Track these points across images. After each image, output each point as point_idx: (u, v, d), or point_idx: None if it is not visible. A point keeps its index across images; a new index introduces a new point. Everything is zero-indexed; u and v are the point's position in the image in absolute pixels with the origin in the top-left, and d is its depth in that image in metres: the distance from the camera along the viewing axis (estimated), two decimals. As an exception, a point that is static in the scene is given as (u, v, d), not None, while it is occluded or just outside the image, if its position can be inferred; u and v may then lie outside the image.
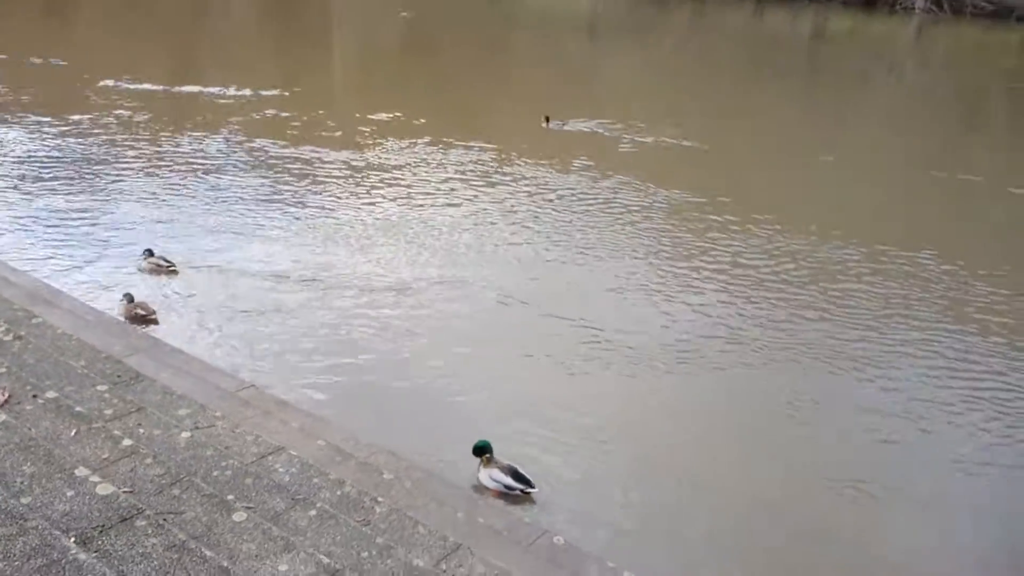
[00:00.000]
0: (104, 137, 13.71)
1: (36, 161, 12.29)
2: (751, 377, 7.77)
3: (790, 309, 9.26)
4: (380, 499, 4.40)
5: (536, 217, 11.65)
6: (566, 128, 16.51)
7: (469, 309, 8.74)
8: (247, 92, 17.77)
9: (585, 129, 16.83)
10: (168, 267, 8.79)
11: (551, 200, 12.41)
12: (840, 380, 7.82)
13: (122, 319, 7.21)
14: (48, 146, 13.05)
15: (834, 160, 16.29)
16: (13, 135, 13.51)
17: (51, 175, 11.69)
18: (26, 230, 9.73)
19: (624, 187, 13.25)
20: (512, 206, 12.01)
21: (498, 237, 10.78)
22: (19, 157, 12.39)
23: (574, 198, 12.57)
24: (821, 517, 5.92)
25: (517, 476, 5.53)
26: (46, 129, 14.00)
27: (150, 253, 8.88)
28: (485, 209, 11.78)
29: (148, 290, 8.34)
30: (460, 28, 34.79)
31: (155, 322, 7.62)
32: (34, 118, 14.57)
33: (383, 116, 16.67)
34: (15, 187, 11.10)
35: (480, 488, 5.60)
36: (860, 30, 47.38)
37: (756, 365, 7.96)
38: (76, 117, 14.70)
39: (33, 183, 11.31)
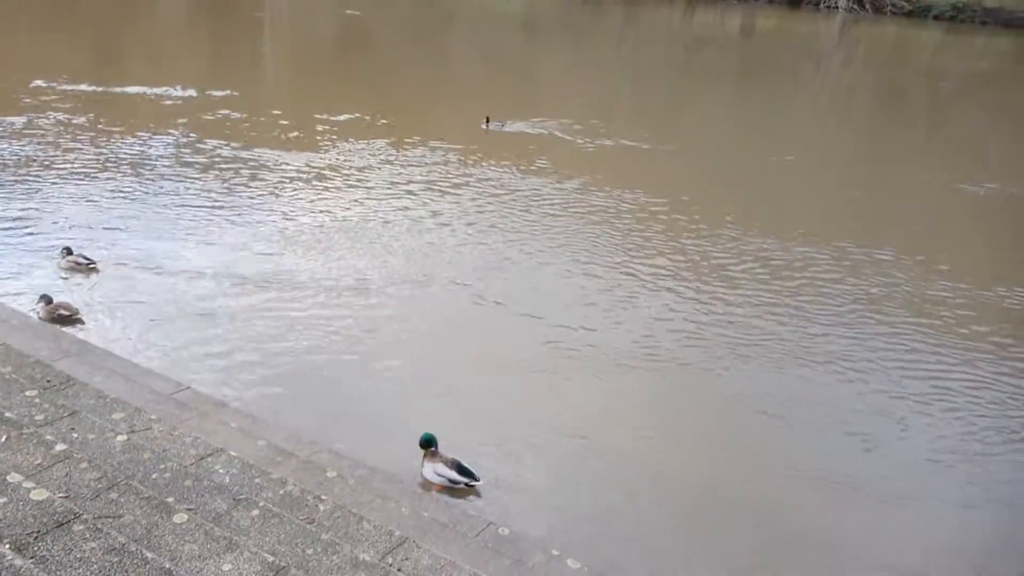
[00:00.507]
0: (40, 139, 13.17)
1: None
2: (718, 374, 7.81)
3: (757, 306, 9.36)
4: (324, 497, 4.39)
5: (497, 218, 11.59)
6: (506, 129, 16.40)
7: (429, 308, 8.68)
8: (193, 92, 17.27)
9: (527, 130, 16.78)
10: (87, 265, 8.54)
11: (508, 201, 12.35)
12: (810, 376, 7.90)
13: (45, 321, 7.00)
14: None
15: (783, 159, 16.62)
16: None
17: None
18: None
19: (581, 188, 13.28)
20: (471, 207, 11.96)
21: (460, 238, 10.71)
22: None
23: (532, 199, 12.55)
24: (789, 512, 5.97)
25: (461, 470, 5.56)
26: None
27: (68, 251, 8.61)
28: (444, 210, 11.70)
29: (85, 291, 8.13)
30: (403, 26, 34.44)
31: (80, 321, 7.41)
32: None
33: (334, 117, 16.40)
34: None
35: (425, 483, 5.62)
36: (787, 28, 48.70)
37: (722, 363, 8.00)
38: (8, 119, 14.08)
39: None
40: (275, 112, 16.42)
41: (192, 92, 17.30)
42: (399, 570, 3.90)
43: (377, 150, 14.44)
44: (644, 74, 27.36)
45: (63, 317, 7.31)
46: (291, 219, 10.80)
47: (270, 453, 4.76)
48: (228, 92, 17.56)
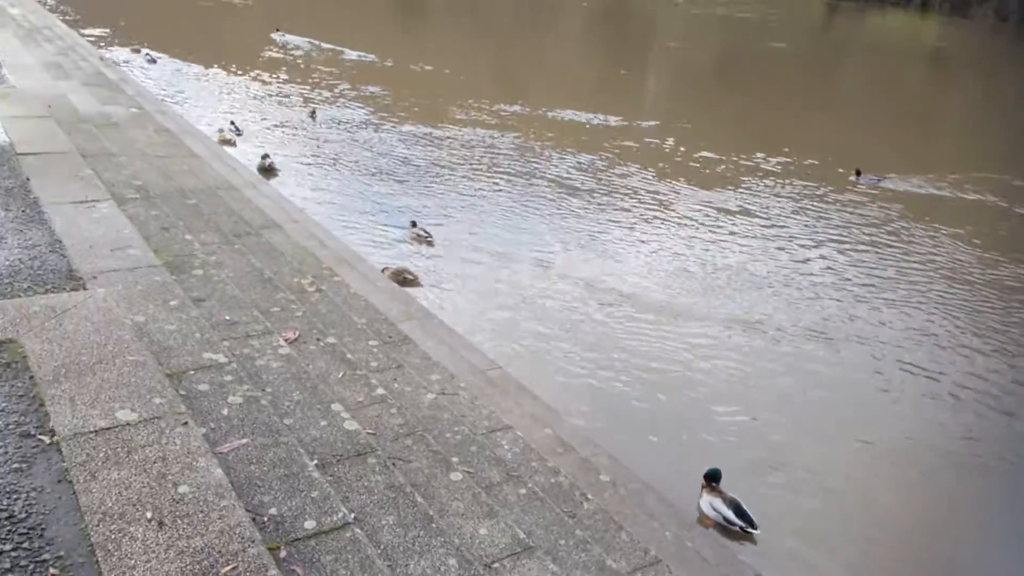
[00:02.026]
0: (463, 150, 14.60)
1: (394, 159, 13.70)
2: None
3: None
4: (590, 496, 4.44)
5: (908, 283, 10.26)
6: (883, 184, 14.44)
7: (818, 367, 7.95)
8: (617, 119, 17.68)
9: (916, 189, 14.50)
10: (426, 238, 9.91)
11: (923, 268, 10.84)
12: None
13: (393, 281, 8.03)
14: (407, 151, 14.30)
15: None
16: (383, 136, 15.16)
17: (402, 174, 12.92)
18: (363, 212, 11.06)
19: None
20: (876, 268, 10.75)
21: (862, 297, 9.70)
22: (382, 155, 13.94)
23: (956, 271, 10.81)
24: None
25: (739, 511, 5.26)
26: (411, 135, 15.43)
27: (414, 224, 10.11)
28: (841, 267, 10.73)
29: (440, 262, 9.19)
30: (814, 58, 32.13)
31: (419, 284, 8.57)
32: (403, 126, 16.02)
33: (732, 154, 15.99)
34: (369, 179, 12.51)
35: (700, 516, 5.40)
36: None
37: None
38: (441, 128, 15.89)
39: (385, 178, 12.64)
40: (707, 148, 16.31)
41: (616, 119, 17.79)
42: (643, 587, 3.81)
43: (775, 192, 13.80)
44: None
45: (407, 280, 8.42)
46: (677, 250, 10.74)
47: (552, 443, 4.93)
48: (652, 122, 17.92)
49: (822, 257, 10.99)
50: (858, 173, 14.63)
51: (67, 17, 23.06)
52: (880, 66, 30.06)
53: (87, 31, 21.51)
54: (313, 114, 15.58)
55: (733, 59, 30.71)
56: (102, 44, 20.32)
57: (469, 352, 6.08)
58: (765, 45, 32.54)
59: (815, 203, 13.38)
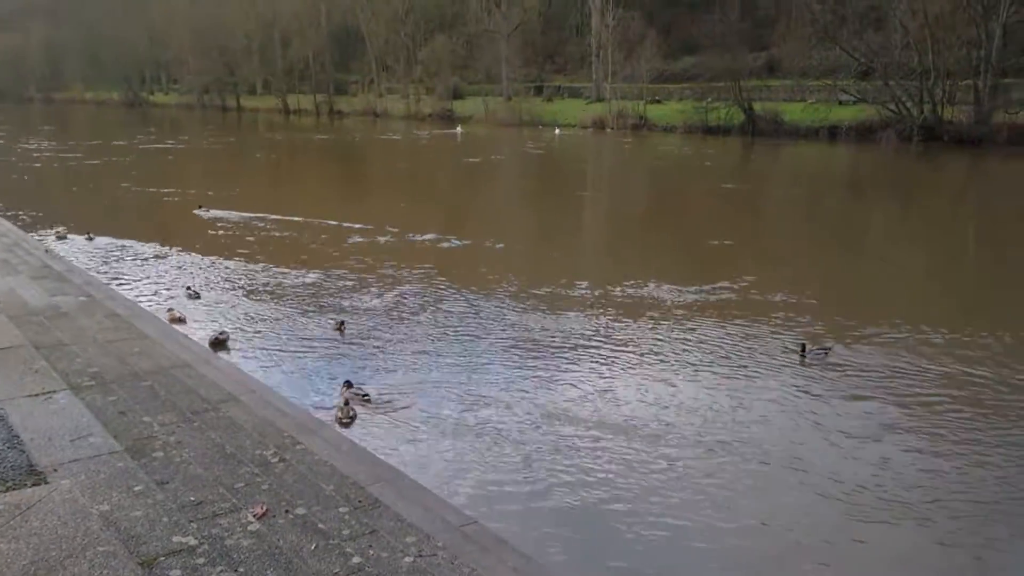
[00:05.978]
0: (490, 336, 12.64)
1: (383, 342, 12.44)
2: None
3: None
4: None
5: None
6: (830, 360, 11.27)
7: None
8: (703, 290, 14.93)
9: (863, 360, 11.30)
10: (362, 396, 9.89)
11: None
12: None
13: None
14: (394, 334, 12.77)
15: None
16: (331, 299, 14.46)
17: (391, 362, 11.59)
18: (326, 376, 10.75)
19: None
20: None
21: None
22: (331, 316, 13.49)
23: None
24: None
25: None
26: (357, 298, 14.68)
27: (349, 385, 9.95)
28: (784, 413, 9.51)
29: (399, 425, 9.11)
30: (764, 197, 31.71)
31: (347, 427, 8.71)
32: (352, 290, 15.31)
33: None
34: (327, 343, 12.16)
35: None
36: None
37: None
38: (468, 301, 14.47)
39: (344, 342, 12.21)
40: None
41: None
42: None
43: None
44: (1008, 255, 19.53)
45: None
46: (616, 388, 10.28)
47: (536, 595, 4.86)
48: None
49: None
50: (803, 349, 11.57)
51: (7, 214, 23.34)
52: (802, 198, 30.80)
53: (28, 223, 21.76)
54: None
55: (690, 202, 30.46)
56: (44, 235, 20.54)
57: (442, 509, 6.03)
58: (716, 185, 32.93)
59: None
